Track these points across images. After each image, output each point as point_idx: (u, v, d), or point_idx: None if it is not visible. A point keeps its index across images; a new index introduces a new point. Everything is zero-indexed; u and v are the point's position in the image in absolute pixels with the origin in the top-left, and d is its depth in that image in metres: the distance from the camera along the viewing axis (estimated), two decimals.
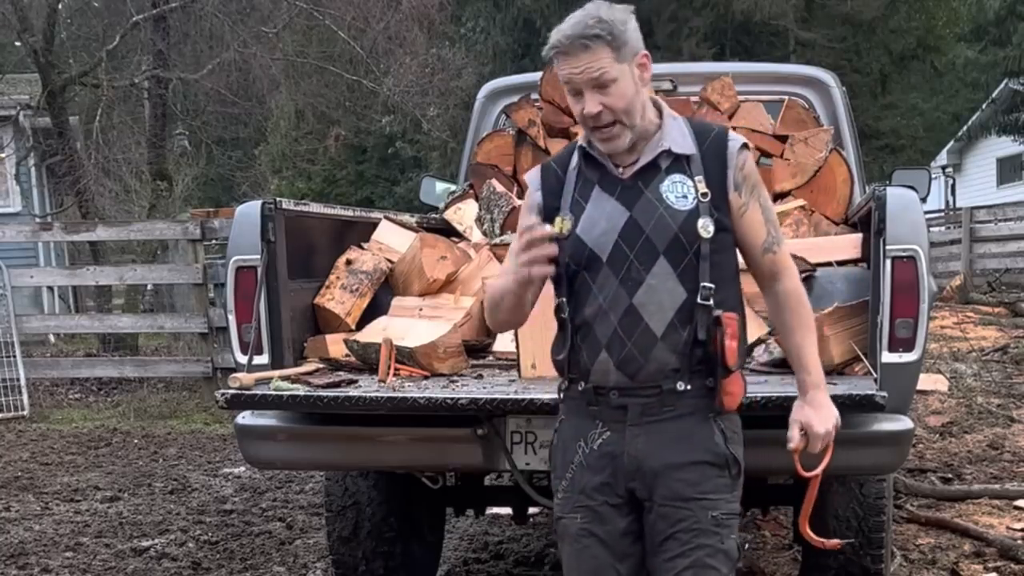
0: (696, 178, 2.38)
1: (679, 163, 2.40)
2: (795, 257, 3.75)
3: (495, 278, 2.65)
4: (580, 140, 2.47)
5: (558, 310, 2.43)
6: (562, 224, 2.40)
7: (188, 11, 13.90)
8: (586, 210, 2.41)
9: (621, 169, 2.42)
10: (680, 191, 2.38)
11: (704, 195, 2.36)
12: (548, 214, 2.44)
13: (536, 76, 5.43)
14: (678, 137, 2.42)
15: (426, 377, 3.47)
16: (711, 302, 2.34)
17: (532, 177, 2.55)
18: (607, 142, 2.39)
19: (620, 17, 2.35)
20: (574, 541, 2.44)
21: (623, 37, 2.33)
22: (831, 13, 27.40)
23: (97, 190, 13.06)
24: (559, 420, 2.50)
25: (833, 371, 3.25)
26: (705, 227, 2.34)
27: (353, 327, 3.81)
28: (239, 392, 3.19)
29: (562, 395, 2.48)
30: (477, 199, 4.82)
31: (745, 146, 2.45)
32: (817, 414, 2.46)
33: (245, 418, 3.42)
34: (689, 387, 2.35)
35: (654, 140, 2.41)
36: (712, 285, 2.35)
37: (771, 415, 2.97)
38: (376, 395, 3.17)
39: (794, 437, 2.45)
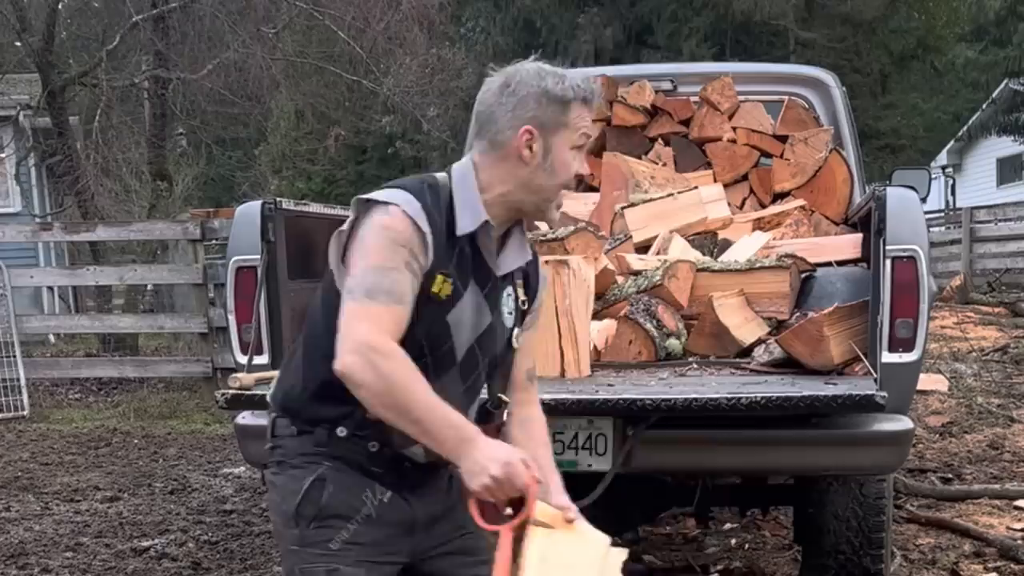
0: (517, 282, 2.20)
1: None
2: (795, 257, 3.78)
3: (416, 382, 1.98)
4: (481, 213, 2.09)
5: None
6: (442, 285, 2.05)
7: (187, 11, 13.89)
8: (463, 297, 2.08)
9: (497, 263, 2.14)
10: (511, 305, 2.20)
11: (523, 303, 2.21)
12: (432, 267, 2.05)
13: None
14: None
15: None
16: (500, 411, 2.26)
17: (417, 213, 2.03)
18: (559, 212, 2.20)
19: None
20: None
21: None
22: (831, 13, 27.41)
23: (97, 190, 13.05)
24: (320, 463, 2.11)
25: (833, 371, 3.26)
26: (517, 338, 2.21)
27: None
28: (239, 392, 3.19)
29: (324, 439, 2.11)
30: None
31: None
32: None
33: (245, 418, 3.43)
34: None
35: (519, 241, 2.17)
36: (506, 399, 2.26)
37: (771, 415, 2.98)
38: None
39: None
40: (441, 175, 2.16)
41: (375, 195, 2.08)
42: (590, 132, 2.12)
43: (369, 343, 1.95)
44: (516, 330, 2.20)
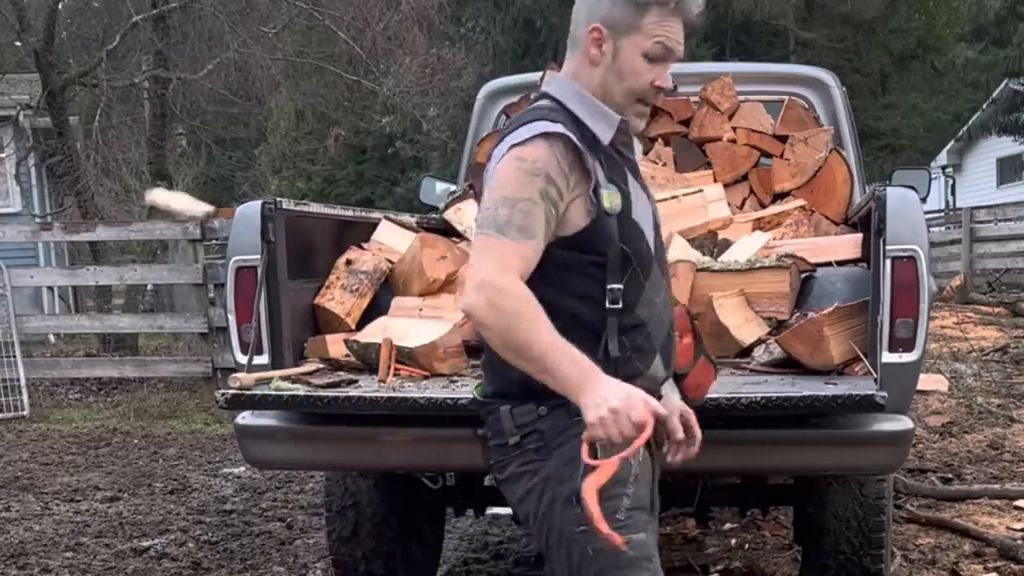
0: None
1: None
2: (795, 257, 3.78)
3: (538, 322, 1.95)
4: (612, 114, 2.11)
5: (610, 299, 2.05)
6: (611, 199, 2.05)
7: (188, 11, 13.89)
8: (631, 193, 2.09)
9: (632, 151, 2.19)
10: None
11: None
12: (595, 187, 2.05)
13: (536, 76, 5.42)
14: None
15: (426, 377, 3.47)
16: None
17: (566, 133, 2.01)
18: (643, 120, 2.17)
19: None
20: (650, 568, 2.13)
21: None
22: (831, 13, 27.44)
23: (97, 190, 13.05)
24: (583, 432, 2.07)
25: (833, 371, 3.26)
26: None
27: (353, 327, 3.80)
28: (239, 392, 3.19)
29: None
30: (477, 199, 4.81)
31: None
32: None
33: (245, 418, 3.42)
34: None
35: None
36: None
37: (771, 415, 2.98)
38: (376, 395, 3.17)
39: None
40: (544, 101, 2.13)
41: (516, 136, 2.03)
42: (670, 44, 2.06)
43: (492, 281, 1.93)
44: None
